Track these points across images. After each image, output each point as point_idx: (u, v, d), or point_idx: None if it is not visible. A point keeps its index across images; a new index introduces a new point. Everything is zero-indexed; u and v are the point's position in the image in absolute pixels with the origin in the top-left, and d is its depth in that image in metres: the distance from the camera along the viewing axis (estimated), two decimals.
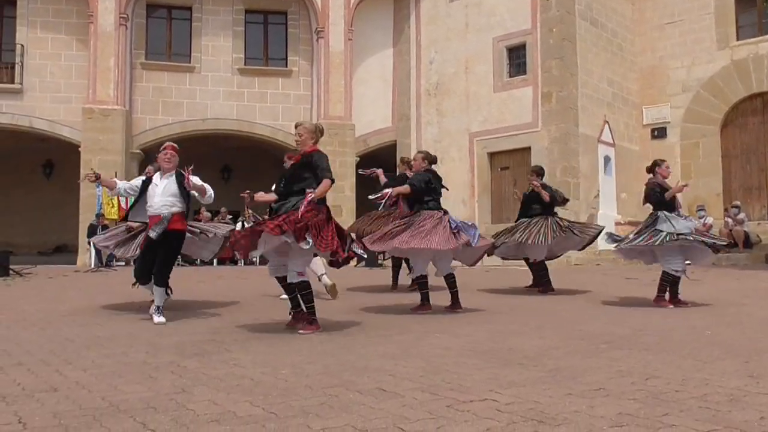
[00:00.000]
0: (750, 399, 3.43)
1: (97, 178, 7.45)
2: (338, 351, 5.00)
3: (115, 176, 8.59)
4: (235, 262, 19.68)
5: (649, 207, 8.37)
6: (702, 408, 3.24)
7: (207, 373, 4.18)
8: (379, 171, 10.83)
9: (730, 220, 16.88)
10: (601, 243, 17.42)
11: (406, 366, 4.37)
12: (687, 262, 8.34)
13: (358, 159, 21.69)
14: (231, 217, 20.98)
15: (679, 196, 8.51)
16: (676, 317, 7.16)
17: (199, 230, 8.04)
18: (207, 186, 7.13)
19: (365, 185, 21.08)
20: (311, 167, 6.14)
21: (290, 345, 5.32)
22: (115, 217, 18.14)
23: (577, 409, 3.21)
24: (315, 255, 6.87)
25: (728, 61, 19.13)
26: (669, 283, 8.16)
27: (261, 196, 6.46)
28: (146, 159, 20.55)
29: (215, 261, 15.69)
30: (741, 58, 18.92)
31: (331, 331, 6.11)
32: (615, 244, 8.60)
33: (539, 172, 10.58)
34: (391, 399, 3.45)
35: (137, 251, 7.52)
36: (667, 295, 8.17)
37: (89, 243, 18.01)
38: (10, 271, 14.30)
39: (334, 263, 6.47)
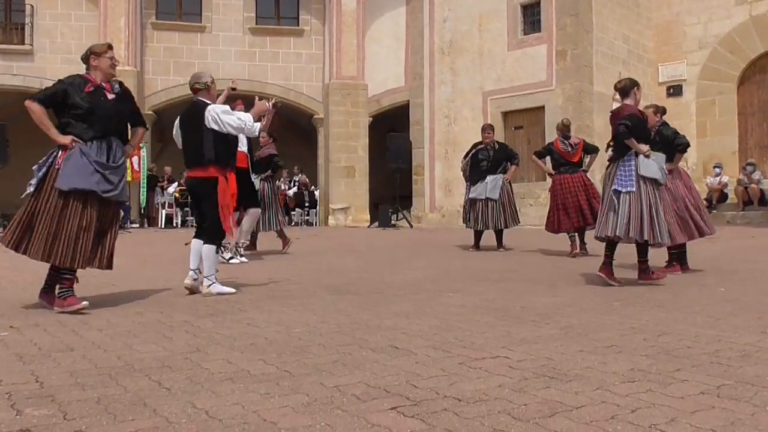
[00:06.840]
0: (762, 354, 3.44)
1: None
2: (351, 310, 5.03)
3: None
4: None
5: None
6: (714, 363, 3.25)
7: (221, 332, 4.21)
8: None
9: (745, 178, 16.74)
10: None
11: (419, 324, 4.39)
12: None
13: (371, 119, 21.57)
14: None
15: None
16: (689, 276, 7.15)
17: None
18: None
19: (379, 146, 21.06)
20: None
21: (304, 304, 5.35)
22: (129, 178, 18.14)
23: (589, 366, 3.22)
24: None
25: (746, 16, 18.74)
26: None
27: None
28: (158, 120, 20.51)
29: None
30: (760, 14, 18.52)
31: (344, 291, 6.14)
32: None
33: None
34: (404, 356, 3.47)
35: None
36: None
37: None
38: None
39: None
